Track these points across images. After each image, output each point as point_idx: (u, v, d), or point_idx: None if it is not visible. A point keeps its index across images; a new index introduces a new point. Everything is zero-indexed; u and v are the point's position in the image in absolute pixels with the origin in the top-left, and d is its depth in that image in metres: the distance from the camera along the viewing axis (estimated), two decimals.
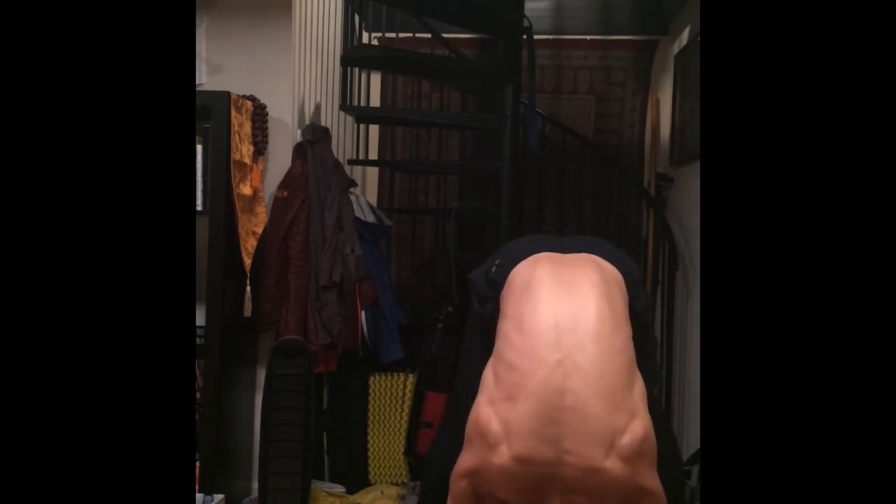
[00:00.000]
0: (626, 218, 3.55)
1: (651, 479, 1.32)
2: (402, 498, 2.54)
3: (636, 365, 1.38)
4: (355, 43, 2.82)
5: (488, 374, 1.41)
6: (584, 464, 1.26)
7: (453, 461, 1.45)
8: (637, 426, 1.29)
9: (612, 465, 1.26)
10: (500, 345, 1.42)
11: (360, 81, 2.89)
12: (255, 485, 2.37)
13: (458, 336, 2.84)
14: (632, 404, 1.31)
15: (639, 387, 1.36)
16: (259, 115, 2.36)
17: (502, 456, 1.29)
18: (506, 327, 1.43)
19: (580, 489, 1.27)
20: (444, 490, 1.48)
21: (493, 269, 1.57)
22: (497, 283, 1.55)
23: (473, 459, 1.36)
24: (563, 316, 1.35)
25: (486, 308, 1.57)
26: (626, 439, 1.27)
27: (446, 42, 3.23)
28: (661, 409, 1.36)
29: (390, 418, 2.71)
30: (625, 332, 1.40)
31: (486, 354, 1.47)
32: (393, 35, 2.89)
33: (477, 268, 1.65)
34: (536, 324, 1.35)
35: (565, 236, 1.75)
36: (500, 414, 1.32)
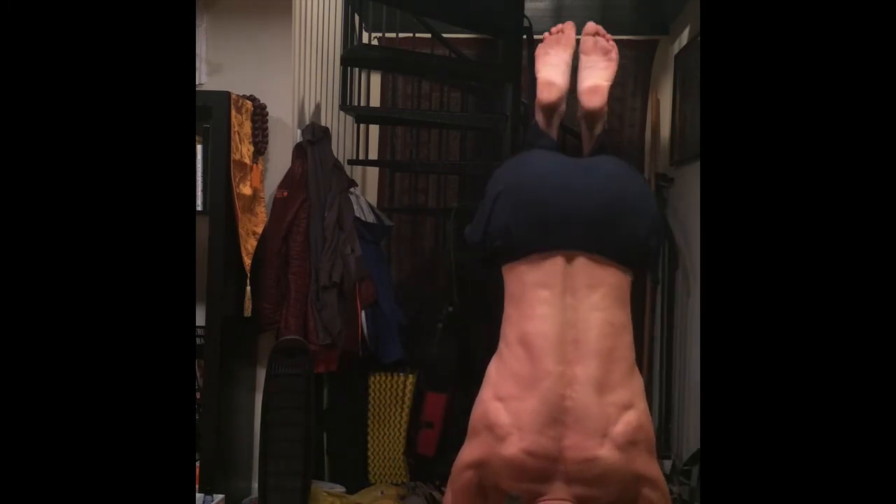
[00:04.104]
0: None
1: (648, 466, 1.39)
2: (402, 498, 2.54)
3: (635, 364, 1.46)
4: (355, 43, 2.82)
5: (492, 371, 1.47)
6: (582, 455, 1.33)
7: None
8: (631, 416, 1.36)
9: (608, 453, 1.33)
10: (504, 348, 1.47)
11: (360, 81, 2.89)
12: (255, 485, 2.37)
13: (458, 336, 2.85)
14: (628, 398, 1.38)
15: (636, 382, 1.44)
16: (259, 115, 2.35)
17: (511, 447, 1.35)
18: (509, 333, 1.48)
19: (580, 479, 1.34)
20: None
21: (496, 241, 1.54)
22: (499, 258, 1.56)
23: (480, 451, 1.40)
24: (566, 330, 1.40)
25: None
26: (620, 427, 1.34)
27: (446, 42, 3.22)
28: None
29: (390, 418, 2.71)
30: (627, 339, 1.45)
31: None
32: (393, 35, 2.89)
33: (471, 225, 1.67)
34: (539, 342, 1.40)
35: (579, 163, 1.66)
36: (508, 408, 1.38)
